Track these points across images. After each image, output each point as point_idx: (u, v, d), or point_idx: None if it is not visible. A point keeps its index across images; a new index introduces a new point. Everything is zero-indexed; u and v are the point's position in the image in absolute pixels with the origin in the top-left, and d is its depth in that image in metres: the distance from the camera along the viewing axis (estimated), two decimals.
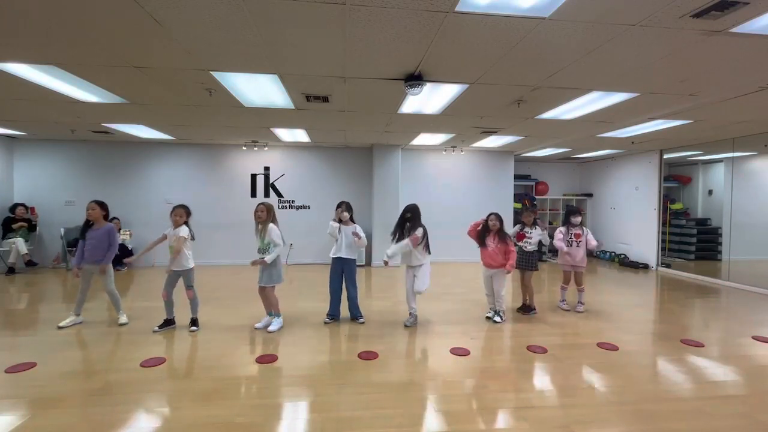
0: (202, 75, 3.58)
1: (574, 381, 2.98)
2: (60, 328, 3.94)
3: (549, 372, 3.14)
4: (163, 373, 3.03)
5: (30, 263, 6.89)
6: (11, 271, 6.73)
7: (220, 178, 8.02)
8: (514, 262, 4.20)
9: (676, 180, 8.49)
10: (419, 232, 4.01)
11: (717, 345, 3.78)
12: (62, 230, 7.25)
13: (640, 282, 6.81)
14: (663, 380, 3.04)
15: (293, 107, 4.70)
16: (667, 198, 8.05)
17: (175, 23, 2.58)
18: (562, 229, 4.90)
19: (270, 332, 3.91)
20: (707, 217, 7.93)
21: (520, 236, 4.69)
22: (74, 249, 7.18)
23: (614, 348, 3.60)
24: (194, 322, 4.04)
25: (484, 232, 4.32)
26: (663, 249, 7.91)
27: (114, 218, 7.34)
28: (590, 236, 4.80)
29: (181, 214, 3.91)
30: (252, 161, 8.10)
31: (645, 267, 7.97)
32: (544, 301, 5.25)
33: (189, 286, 4.00)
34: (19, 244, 6.71)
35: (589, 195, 9.71)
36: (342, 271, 4.28)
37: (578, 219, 4.77)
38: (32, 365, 3.10)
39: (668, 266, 7.76)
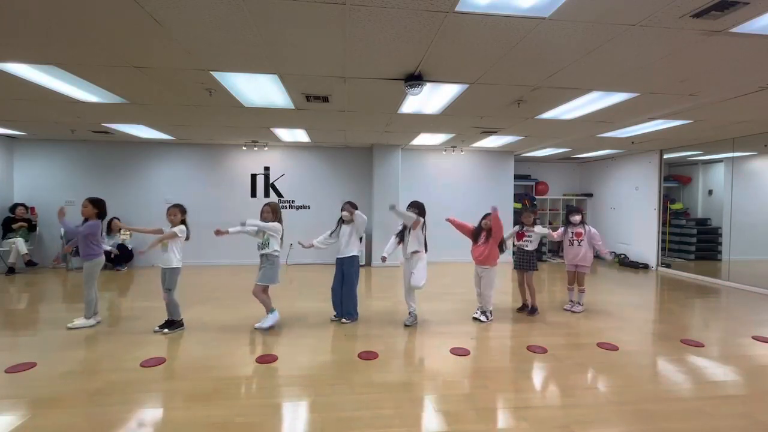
0: (202, 75, 3.58)
1: (574, 381, 2.98)
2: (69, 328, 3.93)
3: (549, 372, 3.14)
4: (163, 373, 3.03)
5: (30, 263, 6.89)
6: (11, 271, 6.73)
7: (220, 178, 8.02)
8: (498, 216, 4.22)
9: (676, 180, 8.49)
10: (421, 219, 4.12)
11: (717, 345, 3.78)
12: (62, 230, 7.25)
13: (640, 282, 6.81)
14: (663, 380, 3.04)
15: (293, 107, 4.70)
16: (667, 198, 8.05)
17: (175, 23, 2.58)
18: (561, 229, 4.92)
19: (263, 329, 3.91)
20: (707, 217, 7.93)
21: (520, 236, 4.70)
22: (74, 249, 7.23)
23: (614, 348, 3.60)
24: (166, 324, 3.91)
25: (479, 231, 4.38)
26: (663, 249, 7.91)
27: (114, 218, 7.34)
28: (597, 237, 4.73)
29: (176, 213, 3.89)
30: (252, 161, 8.10)
31: (645, 267, 7.97)
32: (544, 301, 5.24)
33: (168, 289, 3.85)
34: (19, 244, 6.71)
35: (589, 195, 9.71)
36: (342, 273, 4.30)
37: (577, 218, 4.76)
38: (32, 365, 3.10)
39: (668, 266, 7.76)
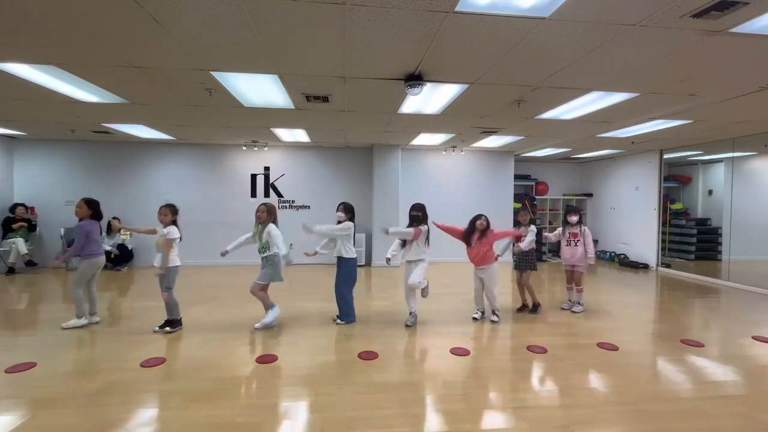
0: (202, 75, 3.58)
1: (574, 381, 2.98)
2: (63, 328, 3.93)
3: (549, 372, 3.14)
4: (163, 373, 3.03)
5: (30, 263, 6.89)
6: (11, 271, 6.73)
7: (220, 178, 8.02)
8: (511, 231, 4.42)
9: (676, 180, 8.49)
10: (424, 227, 4.09)
11: (717, 345, 3.78)
12: (62, 230, 7.26)
13: (640, 282, 6.81)
14: (663, 380, 3.04)
15: (293, 107, 4.70)
16: (667, 198, 8.05)
17: (175, 23, 2.58)
18: (560, 228, 4.92)
19: (265, 324, 3.92)
20: (707, 217, 7.93)
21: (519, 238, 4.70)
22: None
23: (614, 348, 3.60)
24: (166, 323, 3.92)
25: (471, 231, 4.34)
26: (663, 249, 7.91)
27: (114, 218, 7.33)
28: (589, 240, 4.70)
29: (166, 213, 3.87)
30: (252, 161, 8.10)
31: (645, 267, 7.97)
32: (544, 301, 5.23)
33: (167, 288, 3.84)
34: (19, 244, 6.71)
35: (589, 195, 9.71)
36: (338, 269, 4.32)
37: (574, 218, 4.76)
38: (32, 365, 3.10)
39: (668, 266, 7.76)
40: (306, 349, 3.54)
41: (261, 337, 3.82)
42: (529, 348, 3.59)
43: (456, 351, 3.49)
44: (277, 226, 3.98)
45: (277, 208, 4.19)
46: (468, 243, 4.35)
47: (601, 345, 3.67)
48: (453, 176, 8.50)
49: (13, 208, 7.06)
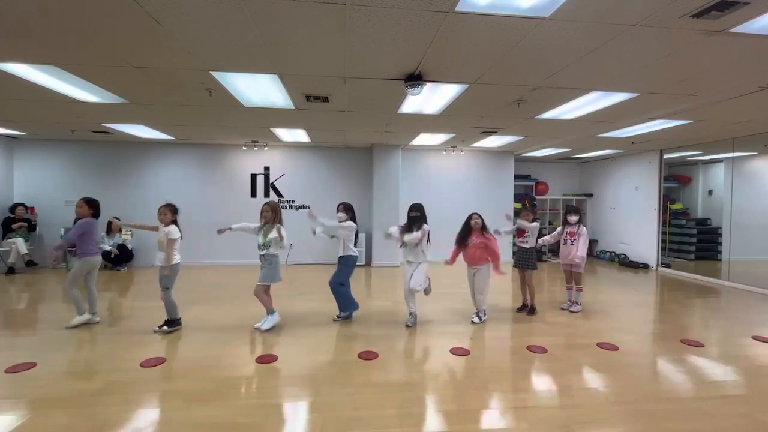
0: (202, 75, 3.58)
1: (574, 381, 2.98)
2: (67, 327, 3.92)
3: (549, 372, 3.14)
4: (163, 373, 3.03)
5: (30, 263, 6.89)
6: (11, 271, 6.73)
7: (220, 178, 8.02)
8: (498, 257, 4.21)
9: (676, 180, 8.48)
10: (426, 227, 4.10)
11: (717, 345, 3.78)
12: (62, 230, 7.26)
13: (640, 282, 6.81)
14: (663, 380, 3.04)
15: (293, 107, 4.70)
16: (667, 198, 8.05)
17: (175, 23, 2.58)
18: (560, 228, 4.93)
19: (262, 331, 3.91)
20: (707, 217, 7.92)
21: (520, 233, 4.71)
22: (75, 249, 7.22)
23: (614, 348, 3.60)
24: (166, 322, 3.92)
25: (466, 232, 4.31)
26: (663, 249, 7.91)
27: (114, 217, 7.33)
28: (582, 240, 4.65)
29: (166, 212, 3.88)
30: (252, 161, 8.10)
31: (645, 267, 7.96)
32: (543, 301, 5.24)
33: (165, 288, 3.85)
34: (19, 244, 6.71)
35: (589, 195, 9.71)
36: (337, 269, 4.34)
37: (574, 218, 4.76)
38: (32, 365, 3.10)
39: (668, 266, 7.76)
40: (306, 349, 3.54)
41: (261, 337, 3.82)
42: (529, 348, 3.59)
43: (456, 351, 3.49)
44: (282, 225, 3.97)
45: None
46: (464, 245, 4.31)
47: (601, 345, 3.67)
48: (453, 176, 8.50)
49: (13, 208, 7.06)
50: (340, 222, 4.31)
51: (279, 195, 8.17)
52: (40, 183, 7.49)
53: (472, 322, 4.29)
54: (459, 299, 5.19)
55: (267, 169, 8.16)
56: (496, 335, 4.00)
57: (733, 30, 2.56)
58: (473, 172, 8.57)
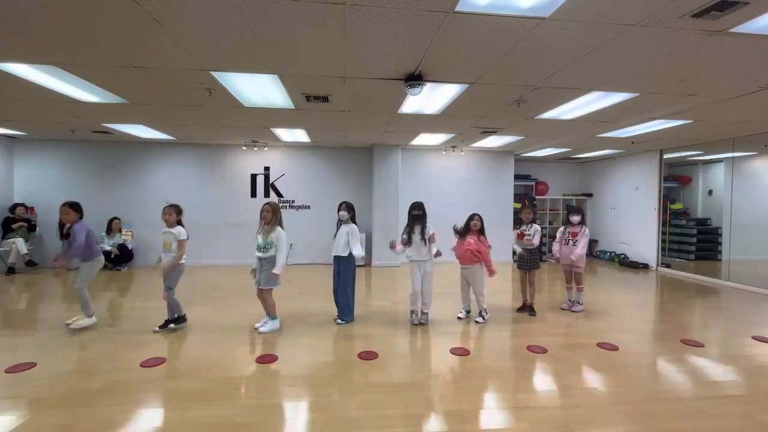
0: (202, 75, 3.58)
1: (574, 381, 2.98)
2: (73, 329, 3.88)
3: (549, 372, 3.14)
4: (163, 373, 3.03)
5: (30, 263, 6.89)
6: (11, 271, 6.74)
7: (220, 178, 8.02)
8: (488, 259, 4.27)
9: (676, 180, 8.48)
10: (431, 229, 4.20)
11: (717, 345, 3.78)
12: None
13: (640, 282, 6.81)
14: (663, 380, 3.04)
15: (293, 107, 4.70)
16: (667, 198, 8.05)
17: (175, 23, 2.58)
18: (561, 228, 4.93)
19: (261, 333, 3.90)
20: (707, 217, 7.92)
21: (521, 235, 4.70)
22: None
23: (614, 348, 3.60)
24: (168, 322, 3.96)
25: (465, 231, 4.38)
26: (663, 249, 7.91)
27: (115, 218, 7.35)
28: (583, 241, 4.67)
29: (171, 213, 3.89)
30: (252, 161, 8.10)
31: (645, 267, 7.97)
32: (544, 301, 5.24)
33: (168, 288, 3.88)
34: (19, 244, 6.71)
35: (589, 195, 9.71)
36: (338, 272, 4.32)
37: (576, 218, 4.76)
38: (32, 365, 3.10)
39: (668, 266, 7.76)
40: (306, 349, 3.54)
41: (261, 337, 3.82)
42: (529, 348, 3.59)
43: (456, 351, 3.49)
44: (282, 228, 3.95)
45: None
46: (462, 241, 4.36)
47: (601, 345, 3.67)
48: (453, 176, 8.50)
49: (13, 208, 7.06)
50: (341, 221, 4.32)
51: (279, 195, 8.17)
52: (40, 183, 7.49)
53: (476, 321, 4.30)
54: (459, 299, 5.19)
55: (267, 169, 8.16)
56: (496, 335, 4.00)
57: (733, 30, 2.56)
58: (473, 172, 8.56)
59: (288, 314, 4.45)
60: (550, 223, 9.54)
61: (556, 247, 4.93)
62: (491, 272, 4.25)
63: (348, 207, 4.34)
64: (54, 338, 3.72)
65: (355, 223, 4.36)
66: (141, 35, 2.75)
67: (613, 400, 2.69)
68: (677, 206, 8.18)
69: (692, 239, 7.69)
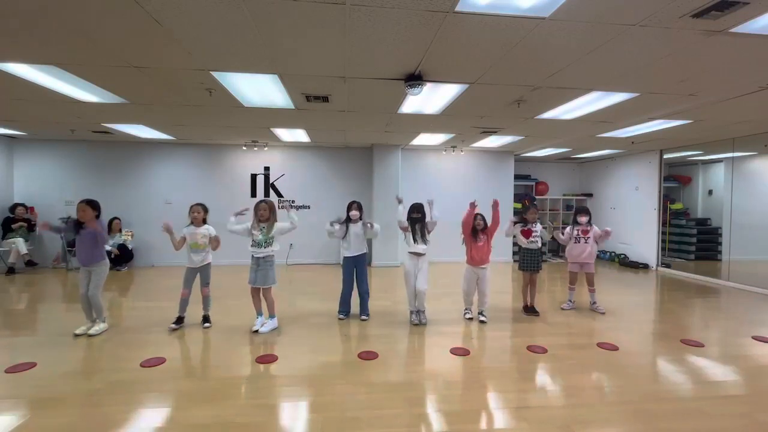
0: (202, 75, 3.58)
1: (574, 381, 2.98)
2: (91, 336, 3.77)
3: (549, 372, 3.14)
4: (163, 373, 3.03)
5: (30, 263, 6.89)
6: (11, 271, 6.73)
7: (220, 178, 8.02)
8: (495, 217, 4.40)
9: (676, 180, 8.49)
10: (430, 226, 4.27)
11: (717, 345, 3.78)
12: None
13: (640, 282, 6.81)
14: (663, 380, 3.04)
15: (293, 107, 4.70)
16: (667, 198, 8.05)
17: (175, 23, 2.58)
18: (569, 227, 4.90)
19: (262, 333, 3.90)
20: (707, 217, 7.92)
21: (527, 233, 4.66)
22: (74, 249, 7.21)
23: (614, 348, 3.60)
24: (207, 318, 4.11)
25: (475, 231, 4.40)
26: (663, 249, 7.91)
27: (115, 218, 7.35)
28: (597, 231, 4.73)
29: (199, 210, 4.00)
30: (252, 161, 8.10)
31: (645, 267, 7.97)
32: (544, 301, 5.24)
33: (206, 284, 4.06)
34: (19, 244, 6.71)
35: (589, 195, 9.71)
36: (354, 269, 4.38)
37: (585, 218, 4.74)
38: (32, 365, 3.10)
39: (668, 266, 7.76)
40: (306, 349, 3.54)
41: (261, 337, 3.82)
42: (529, 348, 3.59)
43: (456, 351, 3.49)
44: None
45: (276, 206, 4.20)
46: (474, 240, 4.37)
47: (601, 345, 3.67)
48: (453, 176, 8.49)
49: (13, 208, 7.06)
50: (351, 219, 4.40)
51: (279, 195, 8.18)
52: (40, 183, 7.49)
53: (481, 321, 4.31)
54: (459, 299, 5.19)
55: (267, 169, 8.16)
56: (496, 335, 4.00)
57: (733, 30, 2.56)
58: (473, 172, 8.56)
59: (288, 314, 4.45)
60: (551, 223, 9.53)
61: (563, 237, 4.93)
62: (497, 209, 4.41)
63: (359, 207, 4.44)
64: (54, 338, 3.72)
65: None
66: (141, 35, 2.75)
67: (613, 400, 2.69)
68: (677, 206, 8.18)
69: (692, 239, 7.69)
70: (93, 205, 3.79)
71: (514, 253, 8.50)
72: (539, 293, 5.44)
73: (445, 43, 2.84)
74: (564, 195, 9.78)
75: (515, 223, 4.74)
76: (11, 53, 3.12)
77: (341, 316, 4.36)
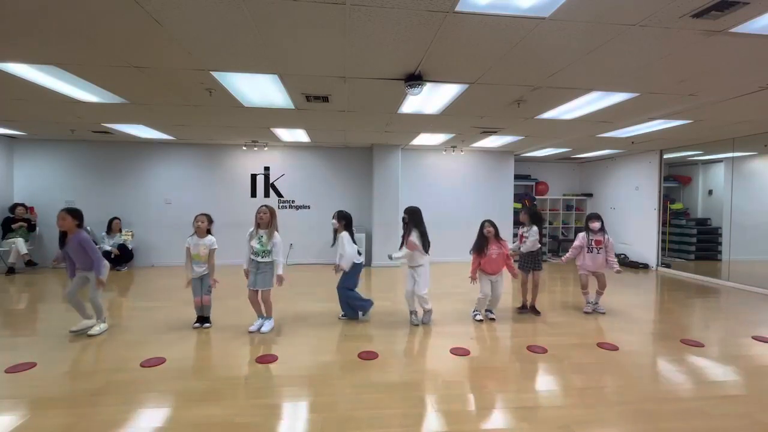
0: (202, 75, 3.58)
1: (574, 381, 2.98)
2: (91, 336, 3.77)
3: (549, 372, 3.14)
4: (163, 373, 3.03)
5: (30, 263, 6.89)
6: (11, 271, 6.73)
7: (220, 178, 8.02)
8: (512, 263, 4.33)
9: (676, 180, 8.49)
10: (414, 236, 4.08)
11: (717, 345, 3.78)
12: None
13: (640, 282, 6.81)
14: (663, 380, 3.04)
15: (293, 107, 4.70)
16: (667, 198, 8.05)
17: (175, 23, 2.58)
18: (582, 234, 4.77)
19: (259, 333, 3.90)
20: (707, 217, 7.92)
21: (520, 238, 4.70)
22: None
23: (614, 348, 3.60)
24: (207, 319, 4.11)
25: (482, 242, 4.29)
26: (663, 249, 7.91)
27: (115, 218, 7.35)
28: (612, 243, 4.68)
29: (203, 220, 3.97)
30: (252, 161, 8.10)
31: (645, 267, 7.97)
32: (544, 301, 5.24)
33: (208, 292, 4.03)
34: (19, 244, 6.71)
35: (589, 195, 9.71)
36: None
37: (597, 225, 4.64)
38: (32, 365, 3.10)
39: (668, 266, 7.76)
40: (306, 349, 3.54)
41: (261, 337, 3.82)
42: (529, 348, 3.59)
43: (456, 351, 3.49)
44: (278, 231, 3.96)
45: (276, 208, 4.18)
46: (483, 254, 4.25)
47: (601, 345, 3.67)
48: (453, 176, 8.49)
49: (13, 208, 7.06)
50: (335, 229, 4.29)
51: (279, 195, 8.18)
52: (40, 183, 7.49)
53: (491, 319, 4.34)
54: (459, 299, 5.20)
55: (267, 169, 8.16)
56: (496, 335, 4.00)
57: (733, 30, 2.56)
58: (473, 172, 8.56)
59: (288, 314, 4.45)
60: (550, 223, 9.54)
61: (568, 255, 4.85)
62: (515, 273, 4.38)
63: (340, 216, 4.23)
64: (54, 338, 3.72)
65: (350, 231, 4.26)
66: (141, 35, 2.75)
67: (613, 400, 2.69)
68: (677, 206, 8.18)
69: (692, 239, 7.69)
70: (74, 214, 3.75)
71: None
72: (539, 293, 5.43)
73: (445, 43, 2.84)
74: (564, 195, 9.78)
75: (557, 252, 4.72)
76: (11, 53, 3.12)
77: (340, 317, 4.40)
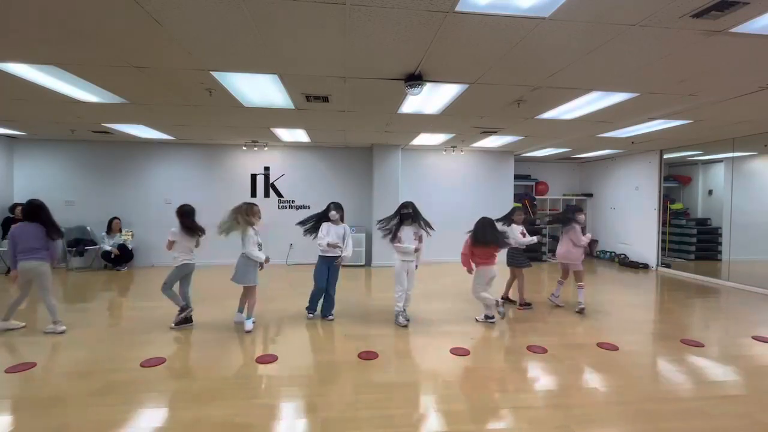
0: (202, 75, 3.58)
1: (574, 381, 2.98)
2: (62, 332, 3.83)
3: (549, 372, 3.14)
4: (163, 373, 3.03)
5: None
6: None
7: (220, 178, 8.02)
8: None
9: (676, 180, 8.49)
10: (421, 231, 4.20)
11: (717, 345, 3.78)
12: (62, 230, 7.24)
13: (640, 282, 6.81)
14: (663, 380, 3.04)
15: (293, 107, 4.70)
16: (667, 198, 8.05)
17: (175, 23, 2.58)
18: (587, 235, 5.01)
19: (247, 332, 3.93)
20: (707, 217, 7.92)
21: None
22: (74, 249, 7.23)
23: (614, 348, 3.60)
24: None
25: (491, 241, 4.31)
26: (663, 249, 7.91)
27: (115, 218, 7.35)
28: (575, 234, 4.76)
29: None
30: (252, 161, 8.10)
31: (645, 267, 7.97)
32: (543, 300, 5.24)
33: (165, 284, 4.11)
34: None
35: (589, 195, 9.71)
36: (329, 271, 4.47)
37: (582, 217, 4.84)
38: (32, 365, 3.10)
39: (668, 266, 7.76)
40: (306, 349, 3.54)
41: (261, 337, 3.82)
42: (529, 348, 3.59)
43: (456, 351, 3.49)
44: (251, 225, 4.17)
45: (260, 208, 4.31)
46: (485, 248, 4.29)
47: (601, 345, 3.67)
48: (453, 176, 8.50)
49: (13, 208, 7.05)
50: (331, 220, 4.41)
51: (279, 195, 8.18)
52: (40, 183, 7.49)
53: (499, 312, 4.27)
54: (459, 299, 5.19)
55: (267, 169, 8.16)
56: (496, 335, 4.00)
57: (733, 30, 2.56)
58: (473, 172, 8.56)
59: (288, 314, 4.45)
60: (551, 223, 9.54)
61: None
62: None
63: (337, 207, 4.40)
64: (54, 338, 3.72)
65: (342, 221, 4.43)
66: (141, 35, 2.75)
67: (613, 400, 2.69)
68: (677, 206, 8.18)
69: (692, 239, 7.69)
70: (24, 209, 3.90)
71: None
72: (538, 293, 5.45)
73: (445, 43, 2.84)
74: (564, 195, 9.78)
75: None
76: (11, 53, 3.12)
77: (309, 317, 4.45)
